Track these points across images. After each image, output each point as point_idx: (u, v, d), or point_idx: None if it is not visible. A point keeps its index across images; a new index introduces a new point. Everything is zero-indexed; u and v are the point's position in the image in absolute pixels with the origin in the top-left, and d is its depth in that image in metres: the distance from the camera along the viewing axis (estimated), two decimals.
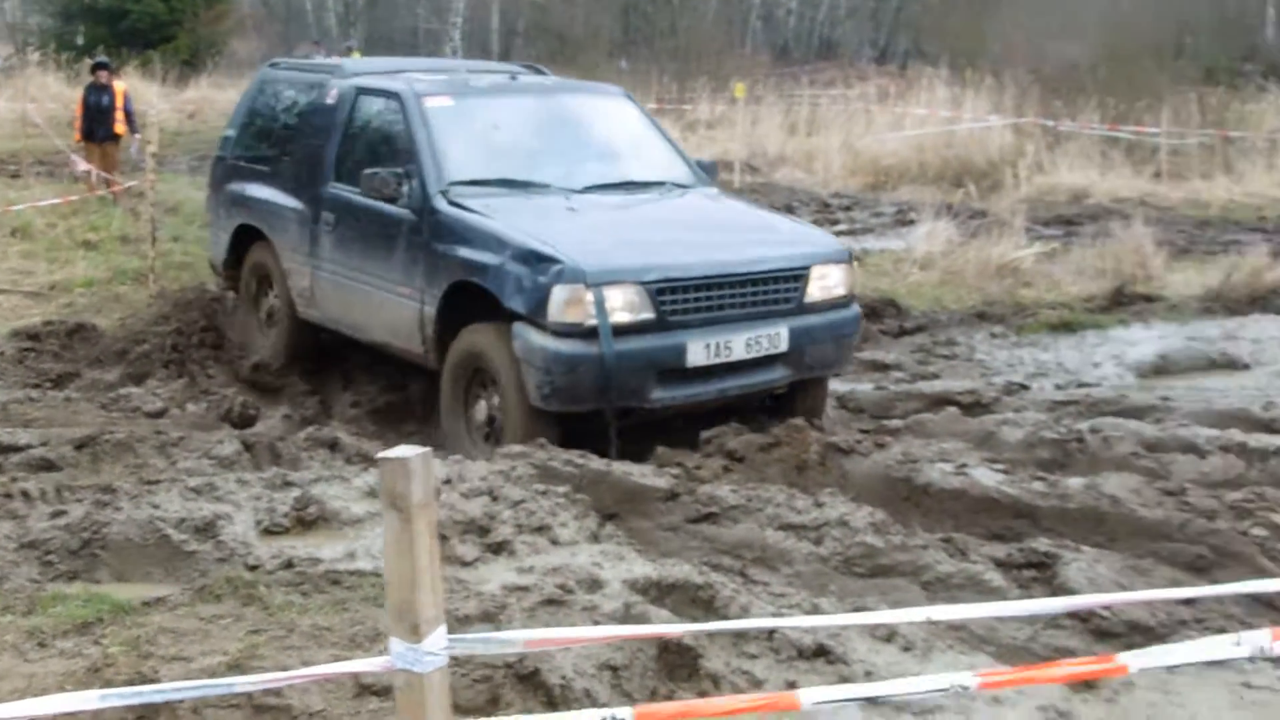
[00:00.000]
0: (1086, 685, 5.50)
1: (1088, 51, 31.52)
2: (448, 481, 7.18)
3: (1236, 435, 8.81)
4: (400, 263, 9.74)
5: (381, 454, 3.49)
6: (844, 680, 5.34)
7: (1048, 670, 3.68)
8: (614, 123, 11.01)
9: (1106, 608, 6.03)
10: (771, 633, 5.65)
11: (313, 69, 12.06)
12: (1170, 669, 5.60)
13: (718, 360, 8.87)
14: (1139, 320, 14.17)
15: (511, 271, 8.74)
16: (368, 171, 9.68)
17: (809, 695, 3.69)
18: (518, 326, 8.66)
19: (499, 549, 6.52)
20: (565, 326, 8.48)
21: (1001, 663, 5.74)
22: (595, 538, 6.82)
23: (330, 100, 10.95)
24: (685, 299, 8.78)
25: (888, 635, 5.84)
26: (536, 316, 8.56)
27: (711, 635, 5.53)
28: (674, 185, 10.42)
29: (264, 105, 12.02)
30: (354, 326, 10.54)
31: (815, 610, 6.13)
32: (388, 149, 10.23)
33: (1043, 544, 6.79)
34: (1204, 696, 5.49)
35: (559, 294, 8.46)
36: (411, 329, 9.65)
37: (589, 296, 8.44)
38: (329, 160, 10.75)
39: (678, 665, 5.41)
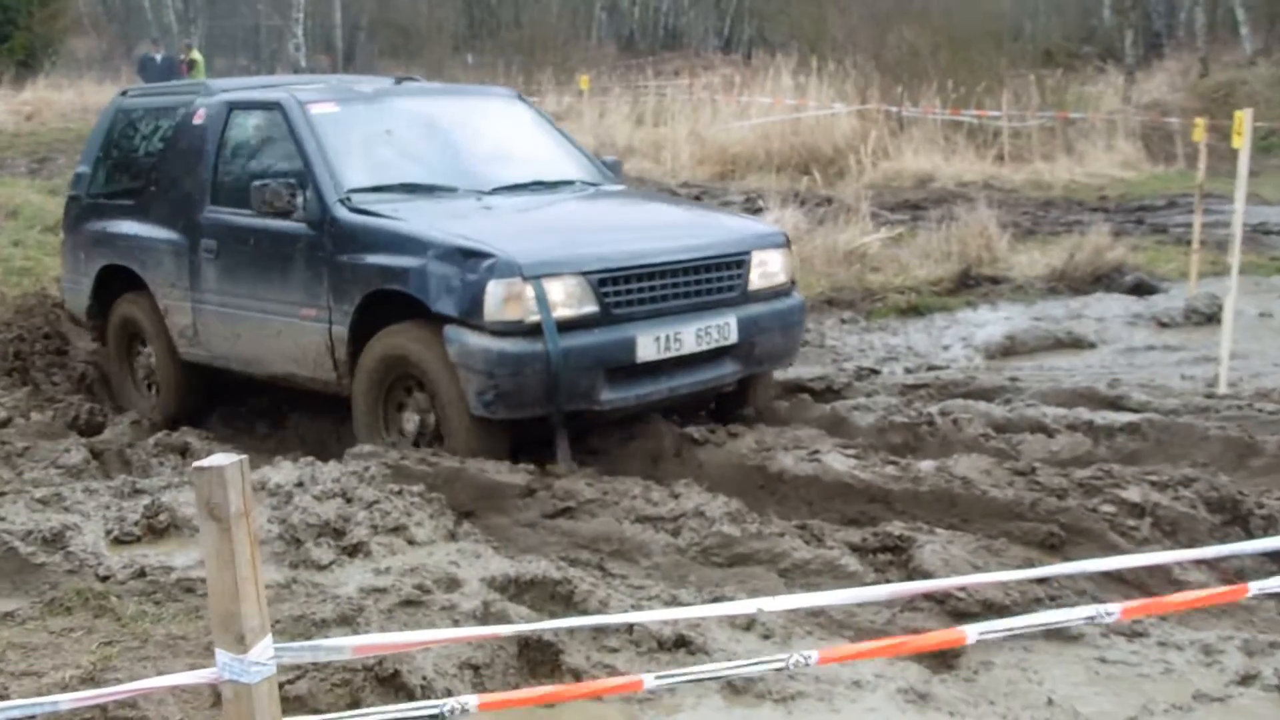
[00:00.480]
0: (946, 666, 5.58)
1: (928, 36, 31.84)
2: (300, 484, 7.10)
3: (1084, 413, 8.94)
4: (300, 282, 8.97)
5: (196, 464, 3.43)
6: None
7: (888, 643, 3.70)
8: (510, 124, 10.53)
9: (962, 588, 6.10)
10: (632, 626, 5.67)
11: (172, 91, 11.27)
12: (1027, 648, 5.70)
13: (669, 354, 8.35)
14: (986, 302, 14.39)
15: (436, 272, 8.06)
16: (257, 183, 8.84)
17: (651, 678, 3.70)
18: (451, 330, 7.98)
19: (355, 551, 6.45)
20: (504, 325, 7.84)
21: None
22: (452, 536, 6.79)
23: (198, 121, 10.11)
24: (629, 290, 8.25)
25: (747, 624, 5.87)
26: (471, 317, 7.90)
27: (572, 630, 5.53)
28: (584, 183, 9.98)
29: (120, 136, 11.07)
30: (248, 361, 9.65)
31: (675, 601, 6.15)
32: (272, 163, 9.50)
33: (897, 527, 6.86)
34: (1061, 673, 5.58)
35: (495, 290, 7.82)
36: (319, 353, 8.89)
37: (529, 290, 7.82)
38: (203, 183, 9.89)
39: (539, 661, 5.41)
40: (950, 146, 26.08)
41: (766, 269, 9.00)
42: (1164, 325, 12.99)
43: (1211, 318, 12.41)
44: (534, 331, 7.85)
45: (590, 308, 8.07)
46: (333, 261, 8.71)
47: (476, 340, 7.87)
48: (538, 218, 9.20)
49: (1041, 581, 6.27)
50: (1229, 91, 32.04)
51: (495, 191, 9.33)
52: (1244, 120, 10.12)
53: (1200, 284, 13.74)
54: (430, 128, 9.97)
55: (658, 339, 8.27)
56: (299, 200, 8.85)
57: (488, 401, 7.90)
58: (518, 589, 6.11)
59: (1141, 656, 5.72)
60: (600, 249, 8.32)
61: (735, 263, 8.81)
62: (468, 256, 7.98)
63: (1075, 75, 34.14)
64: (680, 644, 5.64)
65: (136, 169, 10.77)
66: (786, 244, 9.33)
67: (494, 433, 8.10)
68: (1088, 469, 7.55)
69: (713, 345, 8.56)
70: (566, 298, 7.99)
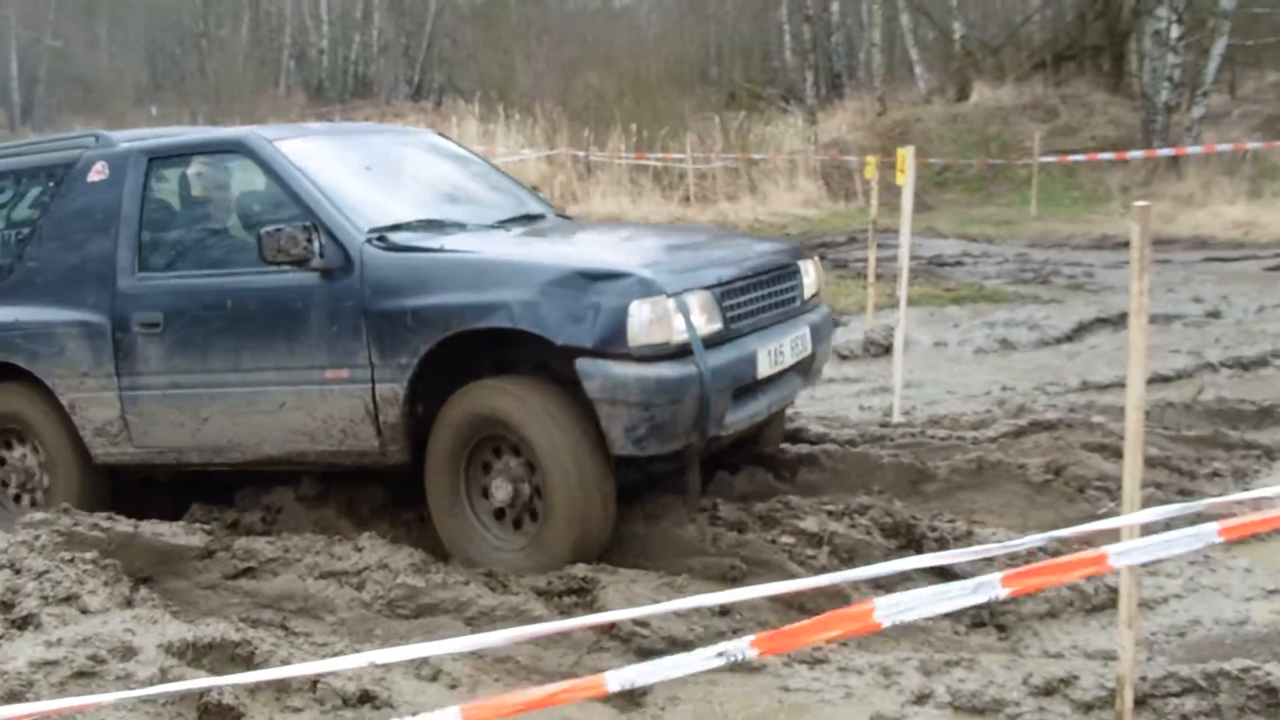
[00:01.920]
0: (634, 704, 5.63)
1: (614, 82, 32.29)
2: None
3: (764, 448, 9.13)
4: (321, 341, 7.66)
5: None
6: None
7: (532, 692, 3.70)
8: (456, 161, 9.55)
9: (644, 624, 6.17)
10: (315, 683, 5.60)
11: (31, 150, 9.33)
12: (713, 681, 5.77)
13: (776, 368, 7.70)
14: None
15: (554, 300, 7.05)
16: (269, 230, 7.49)
17: None
18: (587, 363, 6.97)
19: (24, 623, 6.23)
20: (650, 349, 6.95)
21: None
22: (129, 603, 6.61)
23: (97, 177, 8.58)
24: (741, 303, 7.55)
25: (433, 674, 5.86)
26: (610, 345, 6.96)
27: (253, 691, 5.44)
28: (557, 216, 9.34)
29: None
30: (219, 449, 8.19)
31: None
32: (236, 213, 8.40)
33: (580, 569, 6.88)
34: (746, 704, 5.67)
35: (641, 311, 6.92)
36: (354, 420, 7.66)
37: (673, 307, 7.01)
38: (124, 249, 8.37)
39: None
40: (637, 189, 26.49)
41: (810, 279, 8.59)
42: (844, 358, 13.32)
43: (889, 349, 12.73)
44: (679, 354, 7.06)
45: (716, 324, 7.33)
46: (374, 310, 7.52)
47: (625, 370, 6.97)
48: (594, 242, 8.74)
49: (724, 614, 6.38)
50: (905, 129, 33.11)
51: (501, 225, 8.49)
52: (906, 158, 10.47)
53: (878, 316, 14.13)
54: (395, 165, 9.08)
55: (769, 352, 7.66)
56: (315, 246, 7.63)
57: (639, 437, 7.03)
58: (196, 653, 5.98)
59: (823, 682, 5.83)
60: (707, 263, 7.68)
61: (794, 271, 8.36)
62: (595, 279, 7.07)
63: (759, 117, 34.92)
64: (365, 699, 5.58)
65: None
66: (811, 257, 8.97)
67: (604, 490, 7.24)
68: (767, 502, 7.68)
69: (800, 357, 8.05)
70: (701, 314, 7.22)
